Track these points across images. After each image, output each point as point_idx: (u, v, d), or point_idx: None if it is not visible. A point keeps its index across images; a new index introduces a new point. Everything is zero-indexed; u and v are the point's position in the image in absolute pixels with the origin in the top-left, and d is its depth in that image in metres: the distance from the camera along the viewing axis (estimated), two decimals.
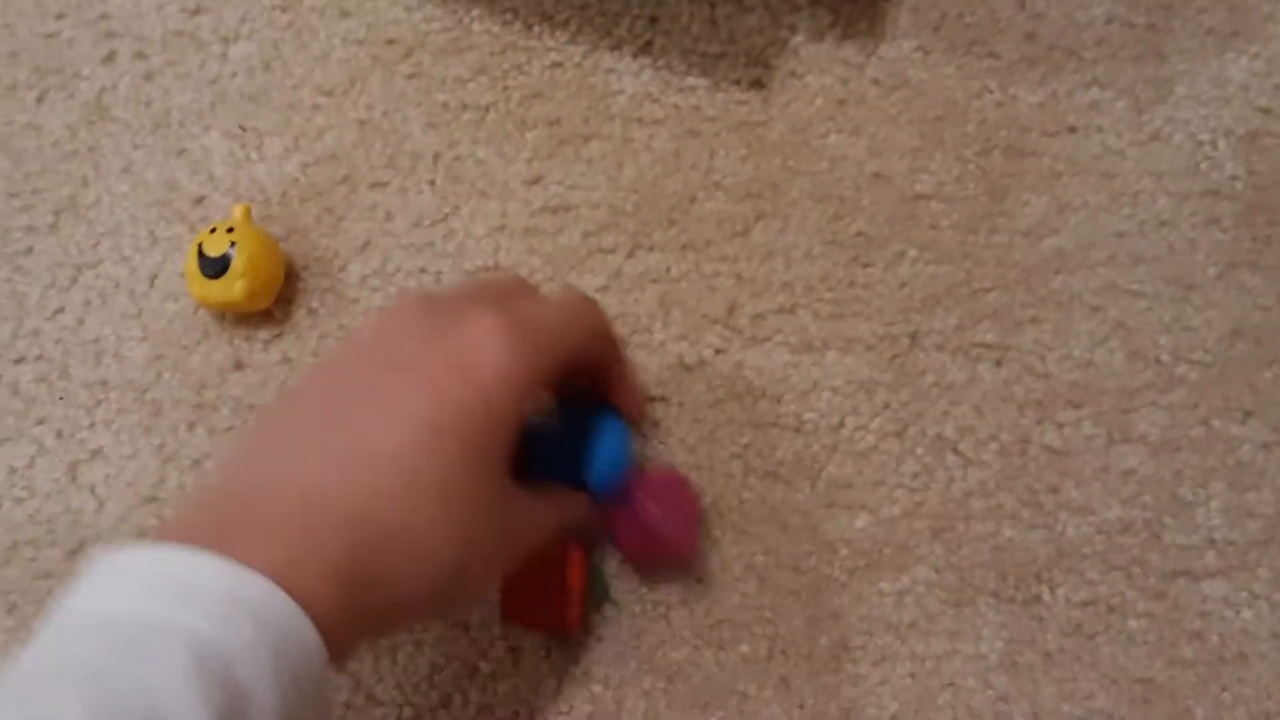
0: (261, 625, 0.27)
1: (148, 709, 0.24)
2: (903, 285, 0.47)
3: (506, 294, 0.37)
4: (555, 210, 0.48)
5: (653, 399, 0.46)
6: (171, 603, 0.26)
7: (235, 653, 0.26)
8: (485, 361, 0.32)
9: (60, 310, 0.46)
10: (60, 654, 0.26)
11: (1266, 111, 0.48)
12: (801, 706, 0.42)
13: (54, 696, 0.25)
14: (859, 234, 0.47)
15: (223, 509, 0.30)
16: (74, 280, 0.47)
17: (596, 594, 0.43)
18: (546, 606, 0.41)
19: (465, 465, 0.32)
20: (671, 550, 0.42)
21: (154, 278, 0.47)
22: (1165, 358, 0.45)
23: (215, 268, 0.44)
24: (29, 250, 0.47)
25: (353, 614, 0.30)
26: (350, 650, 0.31)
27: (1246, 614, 0.43)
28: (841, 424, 0.45)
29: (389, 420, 0.31)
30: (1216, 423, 0.45)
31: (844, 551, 0.44)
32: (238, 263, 0.44)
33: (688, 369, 0.46)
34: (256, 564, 0.27)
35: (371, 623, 0.31)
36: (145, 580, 0.27)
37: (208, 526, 0.29)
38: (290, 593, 0.28)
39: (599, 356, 0.39)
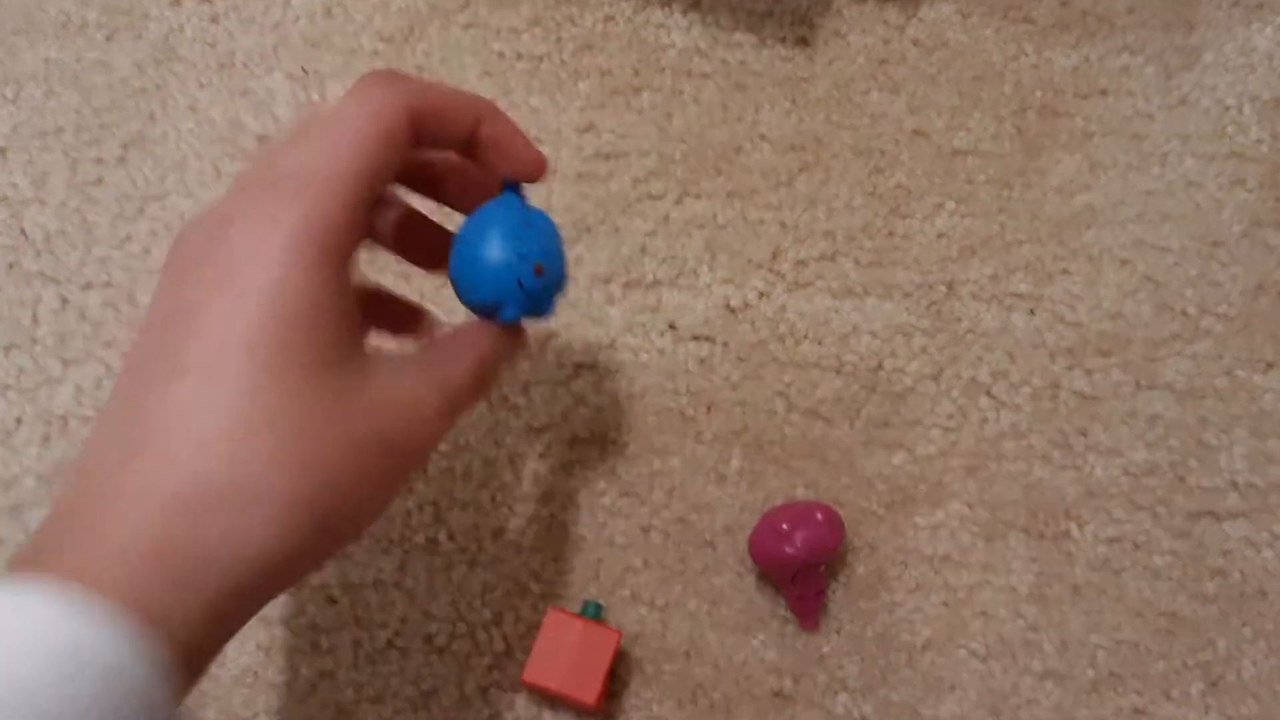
0: (91, 683, 0.23)
1: None
2: (940, 236, 0.49)
3: (276, 151, 0.30)
4: (606, 157, 0.50)
5: (699, 338, 0.47)
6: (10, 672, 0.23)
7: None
8: (243, 260, 0.28)
9: (128, 239, 0.48)
10: None
11: None
12: (839, 631, 0.44)
13: None
14: (898, 186, 0.49)
15: (61, 513, 0.27)
16: (141, 211, 0.48)
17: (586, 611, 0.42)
18: (573, 678, 0.39)
19: (269, 387, 0.27)
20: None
21: None
22: (1191, 310, 0.47)
23: None
24: (98, 181, 0.49)
25: (199, 600, 0.26)
26: (210, 637, 0.27)
27: (1267, 553, 0.44)
28: (880, 366, 0.47)
29: (175, 375, 0.27)
30: (1240, 372, 0.46)
31: (881, 487, 0.46)
32: None
33: (733, 311, 0.48)
34: (93, 578, 0.24)
35: (229, 602, 0.27)
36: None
37: (48, 543, 0.26)
38: (124, 596, 0.24)
39: (449, 129, 0.32)
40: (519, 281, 0.32)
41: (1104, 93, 0.50)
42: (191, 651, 0.26)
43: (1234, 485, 0.45)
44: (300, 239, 0.28)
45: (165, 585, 0.25)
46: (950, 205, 0.49)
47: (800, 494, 0.45)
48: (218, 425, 0.26)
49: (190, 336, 0.27)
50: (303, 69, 0.50)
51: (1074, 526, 0.45)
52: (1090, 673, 0.43)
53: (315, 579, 0.43)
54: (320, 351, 0.28)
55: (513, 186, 0.34)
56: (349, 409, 0.28)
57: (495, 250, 0.32)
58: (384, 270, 0.44)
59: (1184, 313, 0.47)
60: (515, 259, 0.32)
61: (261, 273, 0.27)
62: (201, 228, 0.29)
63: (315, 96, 0.50)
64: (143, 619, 0.25)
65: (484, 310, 0.33)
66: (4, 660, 0.23)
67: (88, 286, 0.47)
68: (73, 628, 0.24)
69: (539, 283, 0.32)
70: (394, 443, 0.30)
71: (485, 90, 0.50)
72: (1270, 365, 0.47)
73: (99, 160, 0.49)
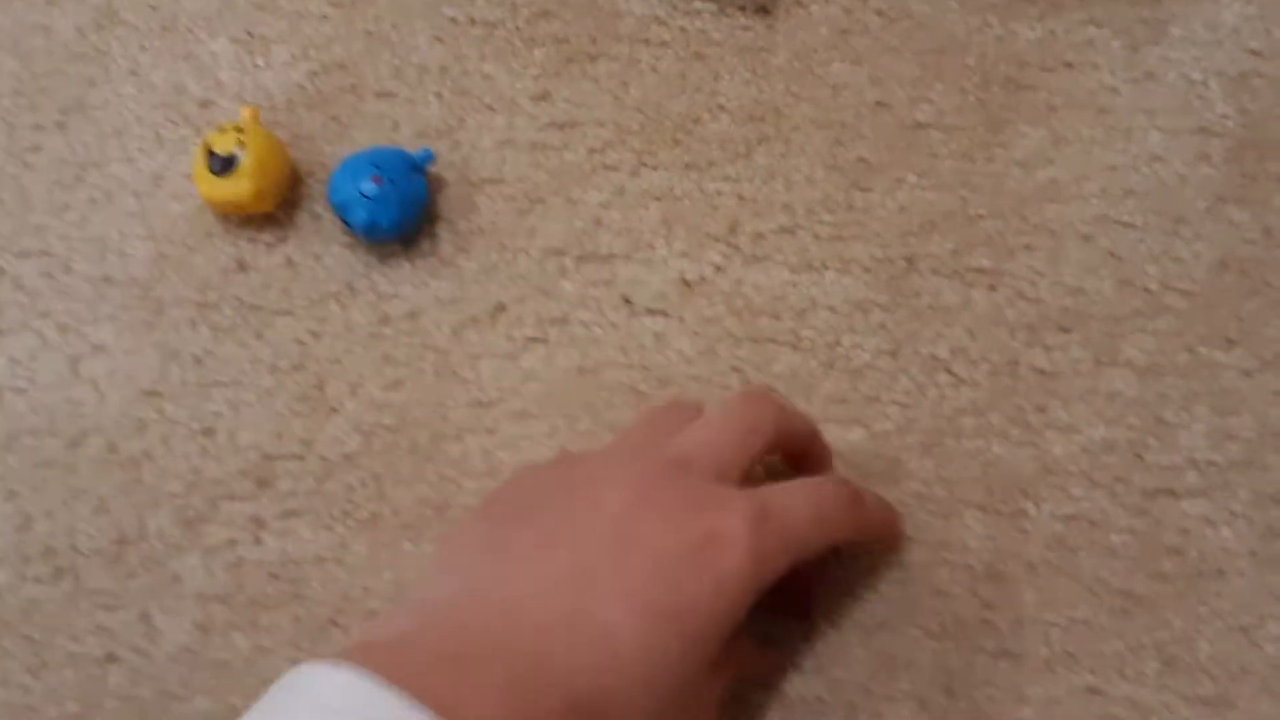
0: None
1: None
2: (901, 210, 0.48)
3: (757, 478, 0.36)
4: (561, 126, 0.48)
5: (654, 313, 0.46)
6: None
7: None
8: (730, 564, 0.32)
9: (66, 207, 0.47)
10: None
11: (1257, 54, 0.50)
12: None
13: None
14: (859, 160, 0.48)
15: (443, 644, 0.29)
16: (79, 179, 0.47)
17: None
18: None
19: (683, 664, 0.31)
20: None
21: (159, 178, 0.47)
22: (1153, 286, 0.47)
23: (223, 165, 0.44)
24: (36, 148, 0.47)
25: None
26: None
27: (1225, 532, 0.44)
28: (838, 342, 0.46)
29: (627, 606, 0.30)
30: (1201, 349, 0.46)
31: (837, 464, 0.45)
32: (245, 162, 0.44)
33: (688, 285, 0.47)
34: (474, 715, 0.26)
35: None
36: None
37: (424, 662, 0.28)
38: None
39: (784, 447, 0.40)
40: (359, 189, 0.43)
41: (1069, 66, 0.50)
42: None
43: (1193, 463, 0.45)
44: (769, 570, 0.33)
45: None
46: (912, 179, 0.48)
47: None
48: (632, 666, 0.30)
49: (647, 576, 0.31)
50: (247, 33, 0.49)
51: (1030, 504, 0.44)
52: (1044, 651, 0.43)
53: (255, 554, 0.42)
54: (712, 656, 0.32)
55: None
56: (701, 696, 0.34)
57: (347, 164, 0.44)
58: None
59: (1146, 289, 0.47)
60: (358, 170, 0.44)
61: (739, 590, 0.32)
62: (679, 495, 0.33)
63: (259, 61, 0.49)
64: None
65: (342, 216, 0.44)
66: None
67: (24, 255, 0.46)
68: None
69: (377, 191, 0.43)
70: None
71: (436, 57, 0.49)
72: (1232, 342, 0.46)
73: (37, 126, 0.48)
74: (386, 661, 0.27)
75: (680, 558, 0.32)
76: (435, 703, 0.26)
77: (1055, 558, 0.44)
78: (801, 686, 0.42)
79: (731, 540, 0.32)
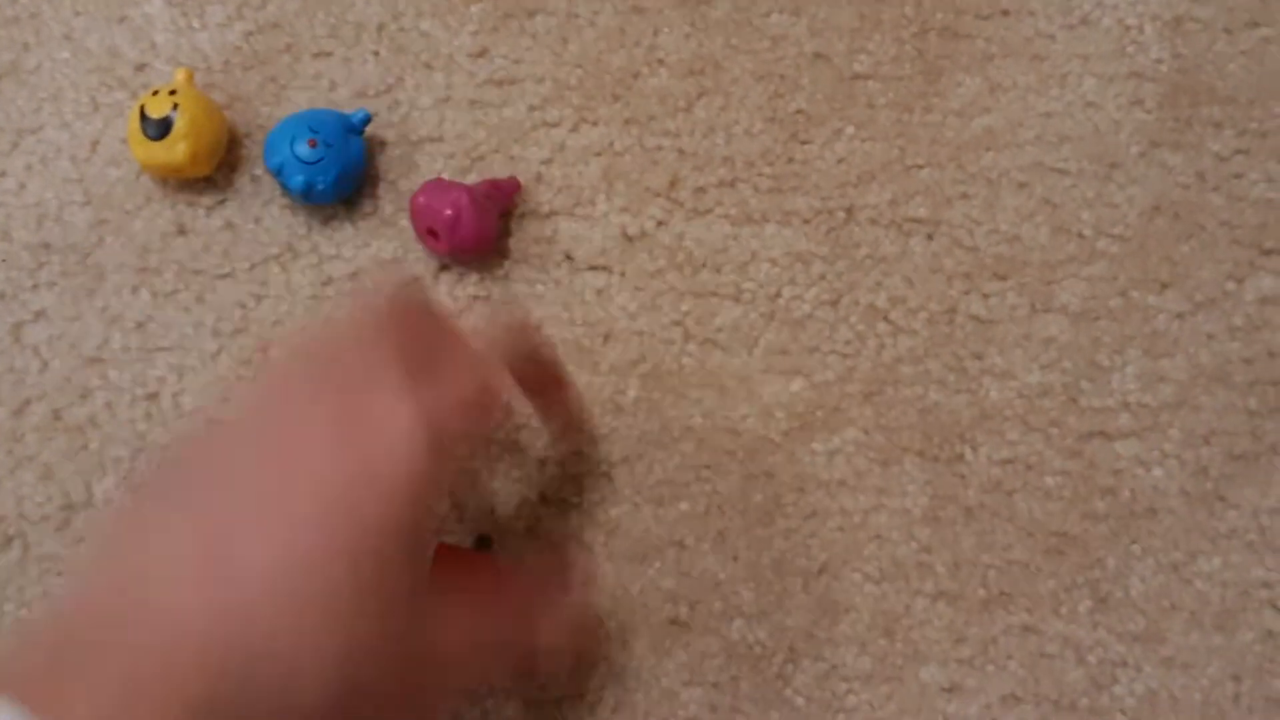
0: None
1: None
2: (840, 161, 0.48)
3: (417, 355, 0.31)
4: (500, 83, 0.48)
5: (596, 268, 0.46)
6: None
7: None
8: (394, 470, 0.28)
9: (2, 174, 0.46)
10: None
11: None
12: (735, 558, 0.44)
13: None
14: (798, 111, 0.49)
15: (59, 641, 0.26)
16: (15, 145, 0.47)
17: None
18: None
19: (354, 588, 0.27)
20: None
21: (96, 143, 0.47)
22: (1087, 232, 0.47)
23: (158, 129, 0.44)
24: None
25: None
26: None
27: (1157, 471, 0.45)
28: (779, 293, 0.47)
29: (269, 529, 0.27)
30: (1134, 293, 0.47)
31: (779, 414, 0.45)
32: (180, 125, 0.44)
33: (630, 240, 0.47)
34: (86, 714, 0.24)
35: None
36: None
37: (33, 667, 0.25)
38: None
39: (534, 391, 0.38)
40: (295, 153, 0.43)
41: (1005, 13, 0.50)
42: None
43: (1125, 405, 0.45)
44: (443, 470, 0.29)
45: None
46: (850, 130, 0.48)
47: (698, 423, 0.45)
48: (277, 595, 0.26)
49: (297, 494, 0.27)
50: None
51: (968, 449, 0.45)
52: (981, 592, 0.44)
53: None
54: (401, 577, 0.28)
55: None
56: (407, 640, 0.29)
57: (282, 128, 0.44)
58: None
59: (1080, 235, 0.47)
60: (293, 133, 0.44)
61: (403, 482, 0.28)
62: (338, 368, 0.29)
63: (194, 23, 0.48)
64: None
65: (280, 179, 0.44)
66: None
67: None
68: None
69: (313, 154, 0.43)
70: (425, 681, 0.31)
71: (373, 15, 0.49)
72: (1165, 285, 0.47)
73: None
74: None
75: (338, 472, 0.28)
76: (38, 706, 0.23)
77: (992, 501, 0.45)
78: (745, 631, 0.43)
79: (395, 447, 0.28)
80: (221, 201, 0.46)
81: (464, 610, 0.33)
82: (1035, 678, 0.43)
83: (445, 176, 0.46)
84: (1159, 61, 0.49)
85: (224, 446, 0.30)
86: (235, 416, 0.31)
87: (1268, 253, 0.47)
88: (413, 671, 0.30)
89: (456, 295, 0.46)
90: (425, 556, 0.30)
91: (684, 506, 0.44)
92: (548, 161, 0.47)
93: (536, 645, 0.37)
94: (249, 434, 0.30)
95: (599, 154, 0.48)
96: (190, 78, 0.45)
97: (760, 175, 0.48)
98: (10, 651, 0.26)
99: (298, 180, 0.44)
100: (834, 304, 0.46)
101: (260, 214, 0.46)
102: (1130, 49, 0.49)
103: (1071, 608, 0.44)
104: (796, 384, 0.46)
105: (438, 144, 0.48)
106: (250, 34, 0.48)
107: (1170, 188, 0.48)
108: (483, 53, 0.48)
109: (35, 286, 0.45)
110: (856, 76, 0.49)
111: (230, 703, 0.25)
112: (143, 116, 0.44)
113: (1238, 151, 0.48)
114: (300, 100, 0.48)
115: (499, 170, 0.47)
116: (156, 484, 0.30)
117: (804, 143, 0.48)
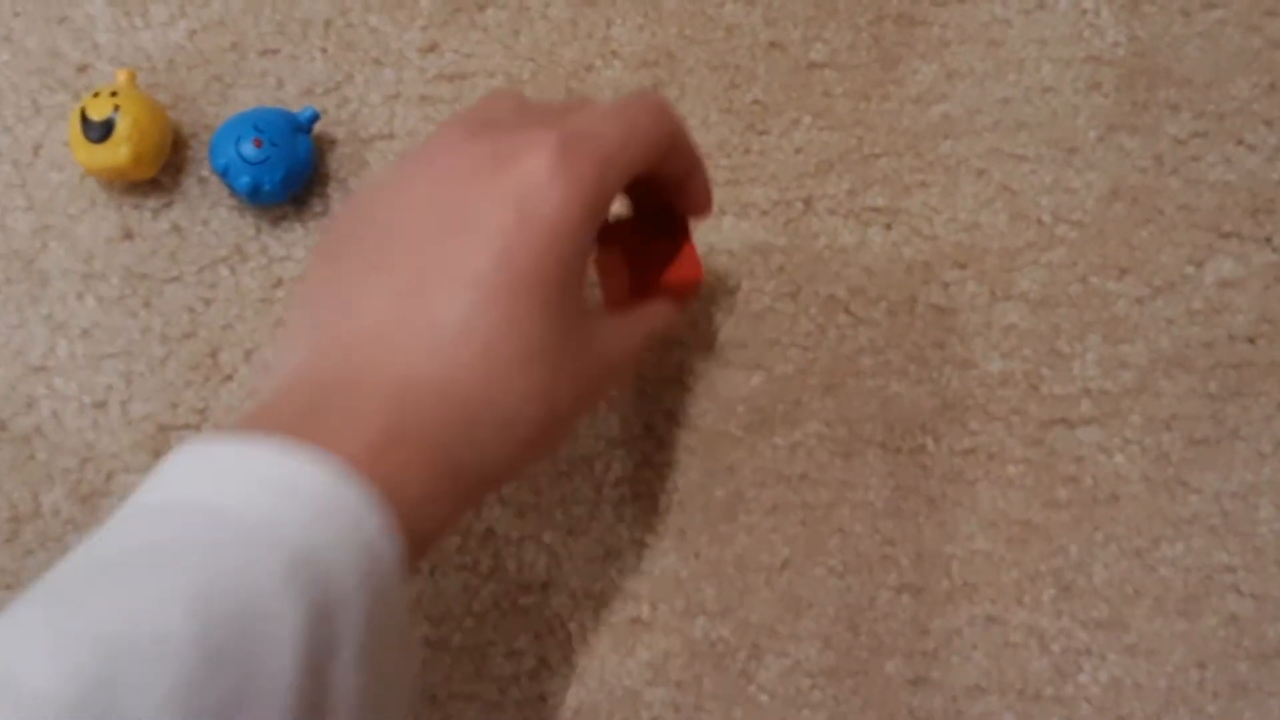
0: (357, 535, 0.26)
1: (244, 607, 0.23)
2: (797, 151, 0.48)
3: (557, 110, 0.34)
4: (451, 78, 0.48)
5: None
6: (271, 502, 0.25)
7: (330, 566, 0.25)
8: (545, 200, 0.30)
9: None
10: (157, 536, 0.25)
11: None
12: (697, 555, 0.43)
13: (153, 578, 0.24)
14: (755, 102, 0.48)
15: (312, 394, 0.29)
16: None
17: None
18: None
19: (541, 323, 0.30)
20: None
21: (38, 147, 0.46)
22: (1046, 218, 0.47)
23: (99, 132, 0.43)
24: None
25: (448, 495, 0.29)
26: (440, 534, 0.30)
27: (1119, 458, 0.45)
28: (738, 286, 0.46)
29: (457, 288, 0.30)
30: (1094, 279, 0.46)
31: (740, 409, 0.45)
32: (122, 127, 0.43)
33: None
34: (352, 452, 0.27)
35: (465, 499, 0.31)
36: (243, 476, 0.26)
37: (298, 413, 0.29)
38: (387, 481, 0.27)
39: (671, 167, 0.36)
40: (240, 153, 0.43)
41: None
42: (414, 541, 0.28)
43: (1086, 392, 0.45)
44: (591, 197, 0.31)
45: (405, 469, 0.28)
46: (807, 120, 0.48)
47: (659, 423, 0.45)
48: (480, 347, 0.29)
49: (471, 251, 0.30)
50: None
51: (929, 440, 0.45)
52: (945, 583, 0.43)
53: None
54: (579, 301, 0.32)
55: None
56: (587, 358, 0.32)
57: (227, 127, 0.43)
58: None
59: (1039, 221, 0.47)
60: (238, 133, 0.43)
61: (556, 215, 0.30)
62: (485, 141, 0.31)
63: (137, 22, 0.47)
64: (383, 494, 0.27)
65: (226, 180, 0.43)
66: (272, 502, 0.25)
67: None
68: (327, 480, 0.26)
69: (259, 154, 0.43)
70: (607, 375, 0.34)
71: (320, 11, 0.48)
72: (1124, 271, 0.46)
73: None
74: (268, 423, 0.28)
75: (500, 222, 0.30)
76: (326, 442, 0.27)
77: (954, 491, 0.44)
78: (708, 628, 0.43)
79: (541, 178, 0.30)
80: (168, 204, 0.45)
81: (618, 320, 0.36)
82: (1000, 668, 0.43)
83: None
84: (1116, 45, 0.49)
85: (400, 202, 0.32)
86: (405, 171, 0.33)
87: (1226, 235, 0.47)
88: (594, 383, 0.33)
89: None
90: (583, 272, 0.32)
91: (644, 504, 0.44)
92: None
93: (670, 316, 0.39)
94: (421, 189, 0.32)
95: None
96: (133, 78, 0.44)
97: (717, 167, 0.47)
98: (259, 411, 0.29)
99: (244, 181, 0.43)
100: (794, 296, 0.46)
101: (208, 216, 0.45)
102: (1087, 33, 0.49)
103: (1035, 597, 0.43)
104: (756, 378, 0.45)
105: (388, 141, 0.47)
106: (194, 32, 0.47)
107: (1128, 172, 0.47)
108: (433, 47, 0.48)
109: None
110: (813, 65, 0.48)
111: (466, 445, 0.30)
112: (84, 119, 0.43)
113: (1195, 134, 0.48)
114: (246, 99, 0.47)
115: None
116: (343, 245, 0.33)
117: (761, 133, 0.48)
